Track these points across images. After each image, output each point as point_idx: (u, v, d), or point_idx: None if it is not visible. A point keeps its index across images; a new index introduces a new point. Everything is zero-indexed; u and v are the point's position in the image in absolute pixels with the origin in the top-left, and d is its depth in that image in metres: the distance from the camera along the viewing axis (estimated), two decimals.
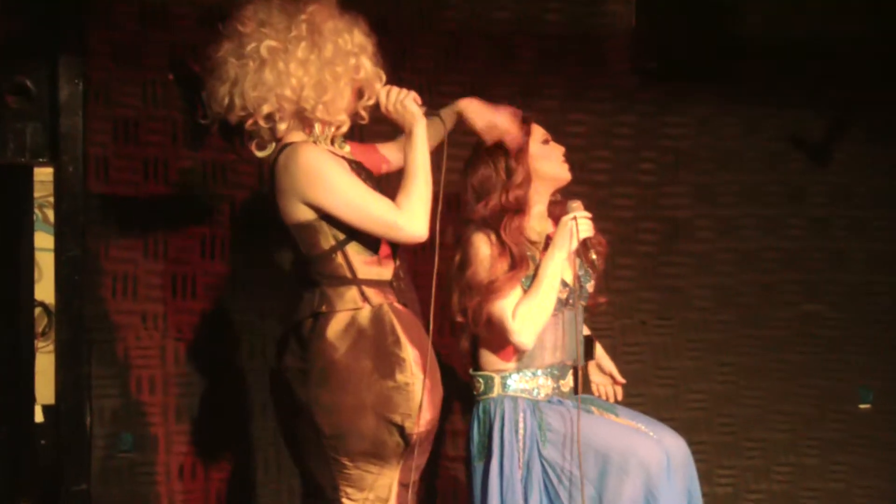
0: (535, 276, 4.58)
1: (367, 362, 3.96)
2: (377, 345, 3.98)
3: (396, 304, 4.07)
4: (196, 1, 5.28)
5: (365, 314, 4.00)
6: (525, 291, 4.58)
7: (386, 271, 4.08)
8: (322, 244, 4.01)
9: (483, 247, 4.60)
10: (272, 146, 4.09)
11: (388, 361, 3.97)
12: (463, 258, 4.64)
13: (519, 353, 4.62)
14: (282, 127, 4.05)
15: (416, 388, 3.97)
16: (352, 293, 4.02)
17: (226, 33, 4.07)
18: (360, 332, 3.98)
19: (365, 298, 4.02)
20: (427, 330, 4.13)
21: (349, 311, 4.00)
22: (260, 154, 4.12)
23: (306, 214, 3.98)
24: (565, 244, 4.59)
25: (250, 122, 4.05)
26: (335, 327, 3.99)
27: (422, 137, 4.07)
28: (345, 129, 4.12)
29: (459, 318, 4.63)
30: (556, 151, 4.74)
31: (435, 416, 4.04)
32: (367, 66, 4.09)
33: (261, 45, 3.99)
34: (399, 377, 3.96)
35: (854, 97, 6.09)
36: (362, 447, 3.97)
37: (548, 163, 4.71)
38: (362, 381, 3.95)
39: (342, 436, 3.96)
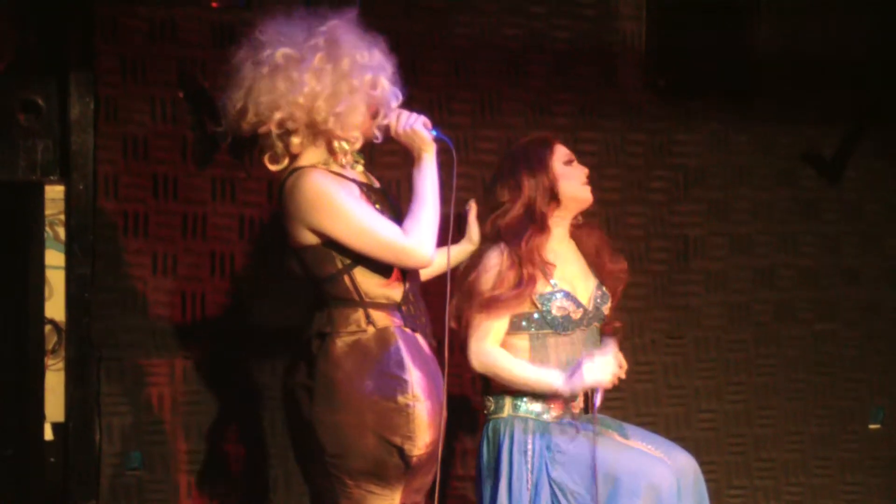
0: None
1: (369, 382, 3.95)
2: (380, 366, 3.97)
3: (404, 328, 4.05)
4: (205, 17, 5.28)
5: (369, 336, 3.99)
6: (518, 331, 4.60)
7: (395, 294, 4.06)
8: (328, 268, 4.00)
9: (493, 257, 4.60)
10: (286, 161, 4.07)
11: (390, 383, 3.95)
12: (469, 266, 4.65)
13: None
14: (295, 141, 4.01)
15: (418, 410, 3.95)
16: (357, 316, 4.00)
17: (245, 41, 4.05)
18: (364, 352, 3.97)
19: (370, 321, 4.00)
20: (437, 352, 4.14)
21: (353, 333, 3.99)
22: (273, 168, 4.08)
23: (312, 239, 3.97)
24: (574, 384, 4.56)
25: (263, 128, 4.01)
26: (340, 347, 3.98)
27: (430, 162, 4.06)
28: (357, 145, 4.09)
29: (454, 325, 4.62)
30: (579, 172, 4.73)
31: (436, 438, 4.01)
32: (384, 84, 4.07)
33: (276, 52, 3.97)
34: (400, 399, 3.94)
35: (866, 114, 6.07)
36: (363, 467, 3.96)
37: (569, 183, 4.69)
38: (364, 401, 3.94)
39: (343, 455, 3.96)
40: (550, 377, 4.56)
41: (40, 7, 5.10)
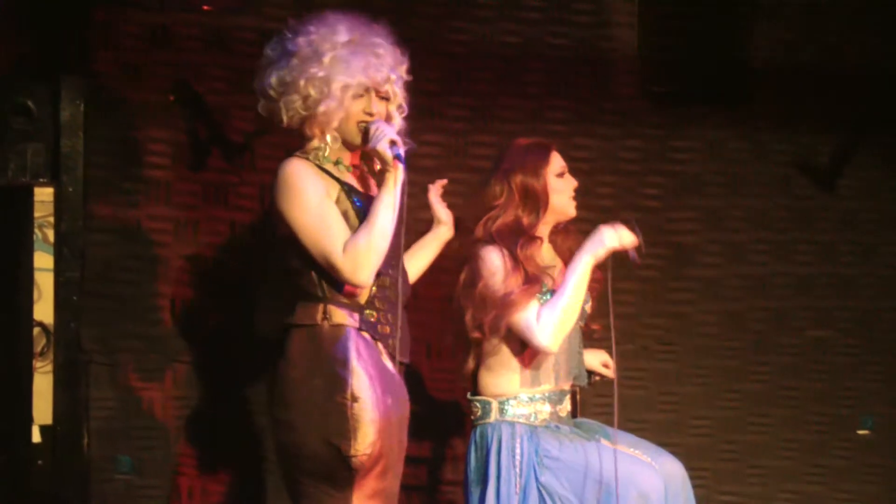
0: (562, 280, 4.57)
1: (316, 381, 3.97)
2: (328, 365, 3.98)
3: (360, 331, 4.05)
4: (198, 23, 5.29)
5: (323, 332, 4.01)
6: (510, 333, 4.59)
7: (359, 297, 4.08)
8: (298, 259, 4.04)
9: (495, 259, 4.59)
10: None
11: (331, 381, 3.96)
12: (472, 273, 4.63)
13: (522, 375, 4.61)
14: (304, 131, 4.13)
15: (356, 410, 3.93)
16: (315, 310, 4.04)
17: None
18: (316, 350, 4.00)
19: (326, 317, 4.02)
20: (395, 358, 4.15)
21: (308, 326, 4.02)
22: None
23: (283, 227, 4.04)
24: (596, 248, 4.55)
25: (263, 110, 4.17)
26: (296, 343, 4.03)
27: (391, 184, 4.04)
28: (319, 143, 4.13)
29: (476, 335, 4.61)
30: (569, 186, 4.73)
31: (382, 441, 3.99)
32: (336, 94, 4.08)
33: (272, 48, 4.14)
34: (338, 398, 3.94)
35: (862, 121, 6.07)
36: (311, 467, 3.98)
37: (558, 197, 4.70)
38: (309, 400, 3.97)
39: (296, 454, 4.01)
40: (581, 267, 4.55)
41: (34, 12, 5.11)
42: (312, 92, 4.06)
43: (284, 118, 4.11)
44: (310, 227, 3.98)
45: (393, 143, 4.02)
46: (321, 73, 4.05)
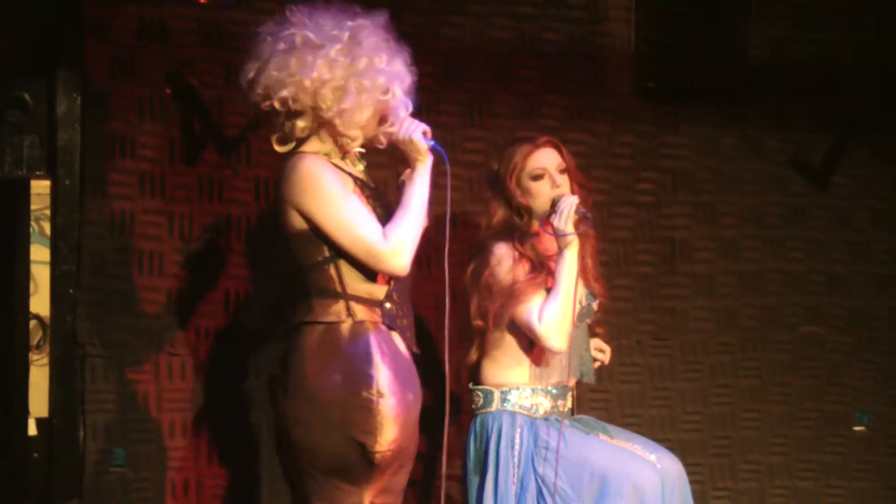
0: (554, 281, 4.57)
1: (336, 377, 3.94)
2: (349, 360, 3.95)
3: (381, 325, 4.04)
4: (194, 16, 5.28)
5: (345, 329, 3.98)
6: (517, 329, 4.60)
7: (378, 290, 4.05)
8: (315, 255, 4.00)
9: (502, 249, 4.62)
10: (293, 145, 4.10)
11: (355, 378, 3.93)
12: (480, 264, 4.66)
13: (527, 369, 4.63)
14: (300, 125, 4.04)
15: (381, 406, 3.91)
16: (337, 307, 4.00)
17: (276, 17, 4.10)
18: (335, 346, 3.96)
19: (350, 314, 4.00)
20: (410, 351, 4.14)
21: (330, 323, 3.98)
22: (279, 149, 4.11)
23: (301, 224, 3.98)
24: (567, 240, 4.52)
25: (267, 104, 4.03)
26: (313, 339, 3.98)
27: (423, 172, 4.06)
28: (355, 144, 4.10)
29: (479, 322, 4.62)
30: (547, 188, 4.69)
31: (403, 437, 3.97)
32: (396, 93, 4.07)
33: (298, 33, 4.01)
34: (364, 394, 3.91)
35: (855, 119, 6.08)
36: (329, 462, 3.95)
37: (533, 200, 4.69)
38: (329, 396, 3.93)
39: (310, 449, 3.96)
40: (566, 265, 4.52)
41: (29, 5, 5.10)
42: (378, 94, 4.02)
43: (337, 119, 4.02)
44: (342, 220, 3.94)
45: (424, 134, 4.05)
46: (381, 78, 4.02)
